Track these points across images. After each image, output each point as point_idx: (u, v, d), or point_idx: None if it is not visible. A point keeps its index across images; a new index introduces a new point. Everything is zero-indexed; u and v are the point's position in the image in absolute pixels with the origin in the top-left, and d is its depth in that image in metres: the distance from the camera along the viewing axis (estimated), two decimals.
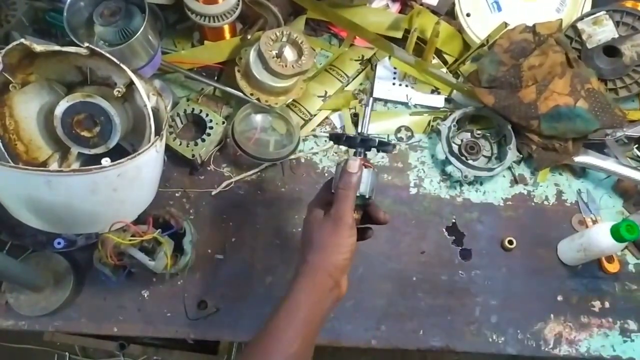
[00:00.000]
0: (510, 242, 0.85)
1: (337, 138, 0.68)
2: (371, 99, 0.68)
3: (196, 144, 0.85)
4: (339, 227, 0.59)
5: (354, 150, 0.64)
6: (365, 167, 0.62)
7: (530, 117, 0.86)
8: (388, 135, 0.93)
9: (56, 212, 0.67)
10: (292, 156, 0.89)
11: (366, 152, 0.64)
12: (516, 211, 0.89)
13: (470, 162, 0.88)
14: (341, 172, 0.61)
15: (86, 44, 0.68)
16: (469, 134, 0.94)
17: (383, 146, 0.64)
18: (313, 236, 0.61)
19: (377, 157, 0.91)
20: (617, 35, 0.89)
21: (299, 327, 0.56)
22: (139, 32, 0.73)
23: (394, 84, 0.95)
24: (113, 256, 0.69)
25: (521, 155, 0.91)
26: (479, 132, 0.93)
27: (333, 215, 0.60)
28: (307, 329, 0.57)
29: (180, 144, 0.84)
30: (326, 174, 0.89)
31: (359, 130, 0.66)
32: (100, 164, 0.64)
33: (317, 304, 0.58)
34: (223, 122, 0.87)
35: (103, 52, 0.69)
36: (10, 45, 0.66)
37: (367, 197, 0.63)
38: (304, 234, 0.63)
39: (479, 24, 0.95)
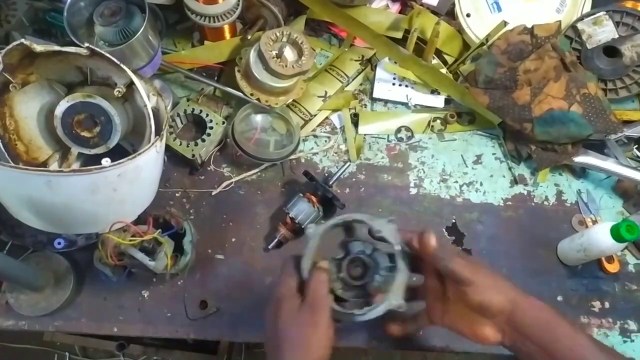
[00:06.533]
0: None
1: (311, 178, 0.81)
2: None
3: (196, 144, 0.85)
4: (317, 317, 0.52)
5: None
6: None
7: (523, 120, 0.86)
8: (388, 136, 0.93)
9: (56, 212, 0.67)
10: (292, 156, 0.89)
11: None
12: (516, 211, 0.89)
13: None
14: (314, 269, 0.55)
15: (86, 44, 0.68)
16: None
17: (336, 201, 0.78)
18: (289, 331, 0.52)
19: (377, 157, 0.91)
20: (617, 36, 0.89)
21: None
22: (139, 32, 0.73)
23: (394, 84, 0.95)
24: (113, 256, 0.69)
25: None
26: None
27: (308, 301, 0.52)
28: None
29: (181, 144, 0.84)
30: (326, 174, 0.89)
31: (330, 183, 0.83)
32: (101, 164, 0.64)
33: None
34: (223, 122, 0.87)
35: (103, 52, 0.69)
36: (10, 45, 0.66)
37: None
38: (273, 330, 0.54)
39: (479, 25, 0.95)
